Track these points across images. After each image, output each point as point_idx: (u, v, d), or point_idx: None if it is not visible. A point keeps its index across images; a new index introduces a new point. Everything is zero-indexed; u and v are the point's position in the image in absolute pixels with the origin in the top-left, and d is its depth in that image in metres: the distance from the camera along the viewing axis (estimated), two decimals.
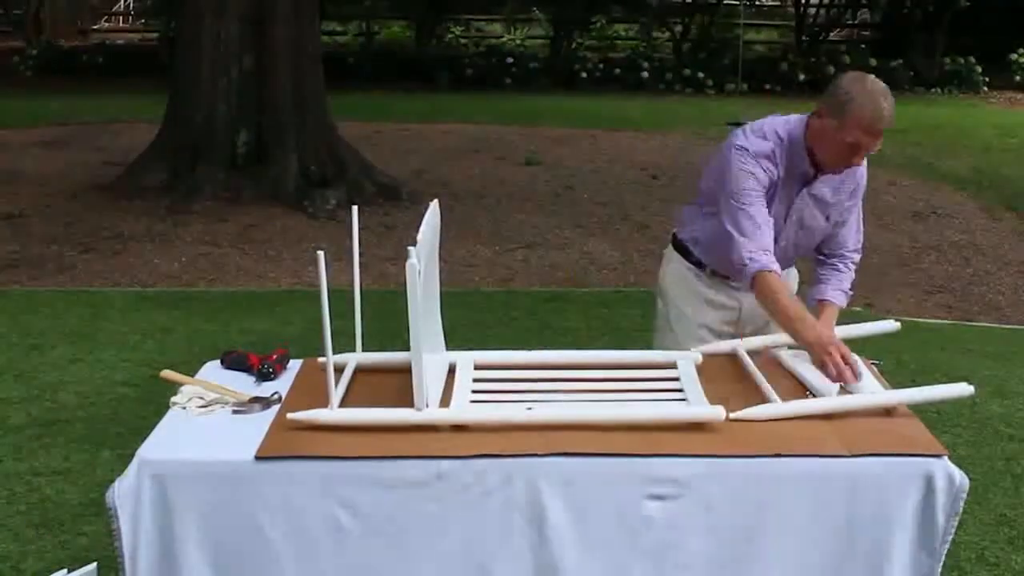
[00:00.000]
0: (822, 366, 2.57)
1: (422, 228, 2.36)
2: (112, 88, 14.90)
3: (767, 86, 16.15)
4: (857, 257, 3.04)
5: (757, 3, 21.05)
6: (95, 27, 21.71)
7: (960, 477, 2.24)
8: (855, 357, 2.60)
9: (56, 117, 12.50)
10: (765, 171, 2.77)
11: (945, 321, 5.99)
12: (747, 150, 2.79)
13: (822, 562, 2.28)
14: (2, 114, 12.53)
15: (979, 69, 16.70)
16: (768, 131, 2.83)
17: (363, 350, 2.73)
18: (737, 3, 18.23)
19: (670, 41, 18.39)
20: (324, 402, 2.35)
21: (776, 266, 2.73)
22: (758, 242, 2.72)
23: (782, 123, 2.84)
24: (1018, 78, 16.84)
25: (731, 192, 2.77)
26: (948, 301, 6.42)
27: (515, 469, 2.21)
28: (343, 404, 2.43)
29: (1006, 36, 16.80)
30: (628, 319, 5.67)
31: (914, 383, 4.62)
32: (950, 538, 2.27)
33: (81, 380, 4.65)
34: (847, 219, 2.98)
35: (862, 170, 2.91)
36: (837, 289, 2.98)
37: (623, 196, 9.04)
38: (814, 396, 2.54)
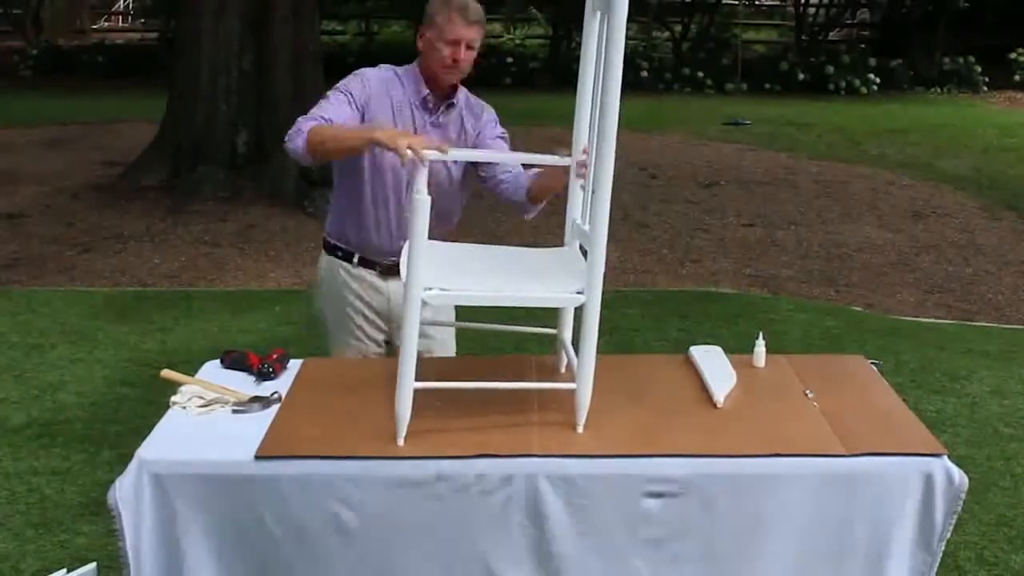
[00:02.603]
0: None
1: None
2: (112, 88, 14.91)
3: (767, 86, 16.16)
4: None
5: (757, 3, 21.07)
6: (95, 27, 21.74)
7: (959, 476, 2.24)
8: None
9: (56, 117, 12.50)
10: (369, 83, 2.89)
11: (945, 321, 5.99)
12: (360, 73, 2.94)
13: (821, 561, 2.28)
14: (2, 114, 12.54)
15: (979, 69, 16.70)
16: (382, 68, 2.97)
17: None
18: (736, 3, 18.24)
19: (670, 41, 18.40)
20: (323, 401, 2.35)
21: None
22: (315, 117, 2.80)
23: (389, 67, 2.98)
24: (1018, 78, 16.84)
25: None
26: (948, 301, 6.42)
27: (515, 469, 2.22)
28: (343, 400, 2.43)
29: (1006, 36, 16.81)
30: (628, 319, 5.66)
31: (914, 383, 4.68)
32: (947, 536, 2.27)
33: (81, 380, 4.65)
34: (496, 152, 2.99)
35: (489, 116, 3.02)
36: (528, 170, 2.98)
37: (622, 196, 9.04)
38: (712, 394, 2.54)
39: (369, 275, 3.04)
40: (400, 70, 2.95)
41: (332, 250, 3.08)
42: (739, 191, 9.32)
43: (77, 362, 4.87)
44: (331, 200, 3.13)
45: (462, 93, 3.00)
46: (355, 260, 3.04)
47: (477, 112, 3.02)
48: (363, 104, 2.86)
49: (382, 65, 2.98)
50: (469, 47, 2.85)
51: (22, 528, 3.39)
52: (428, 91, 2.91)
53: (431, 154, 2.34)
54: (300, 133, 2.78)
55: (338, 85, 2.91)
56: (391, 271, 2.96)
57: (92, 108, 13.07)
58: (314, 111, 2.83)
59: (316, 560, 2.23)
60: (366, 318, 3.07)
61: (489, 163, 2.97)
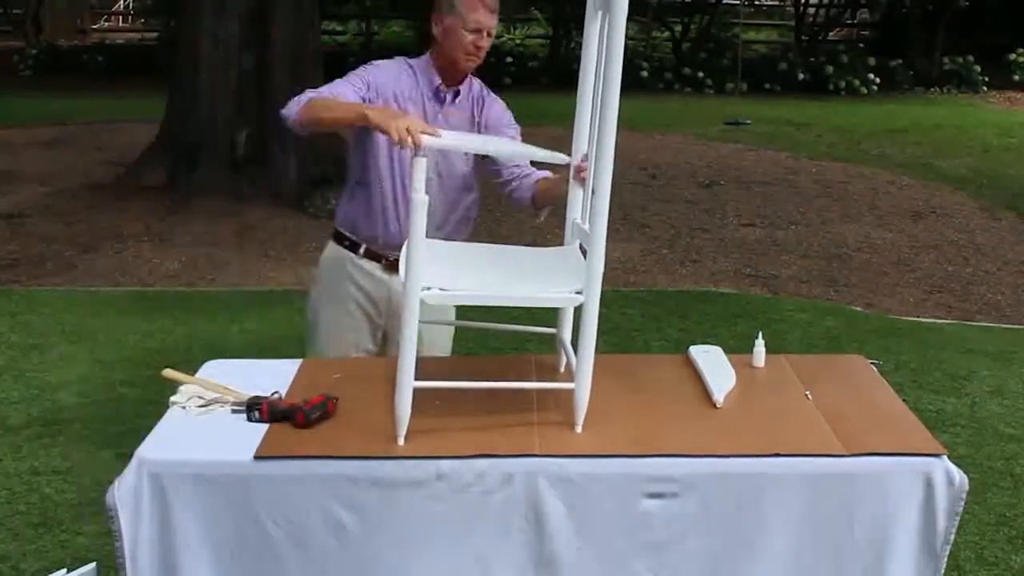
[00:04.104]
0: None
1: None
2: (112, 88, 14.90)
3: (767, 86, 16.16)
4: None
5: (757, 3, 21.07)
6: (95, 27, 21.72)
7: (960, 476, 2.24)
8: None
9: (56, 117, 12.50)
10: (378, 72, 2.91)
11: (945, 321, 5.99)
12: (372, 63, 2.95)
13: (822, 562, 2.28)
14: (2, 114, 12.53)
15: (979, 69, 16.70)
16: (397, 60, 2.99)
17: None
18: (736, 3, 18.24)
19: (670, 41, 18.40)
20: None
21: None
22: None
23: (402, 58, 2.99)
24: (1018, 78, 16.84)
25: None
26: (948, 301, 6.43)
27: (515, 469, 2.21)
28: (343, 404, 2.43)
29: (1006, 36, 16.81)
30: (628, 319, 5.67)
31: (914, 383, 4.68)
32: (951, 538, 2.27)
33: (81, 380, 4.65)
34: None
35: (499, 108, 3.05)
36: (537, 171, 3.02)
37: (622, 196, 9.04)
38: (711, 394, 2.54)
39: (373, 267, 3.04)
40: (414, 62, 2.94)
41: (340, 239, 3.08)
42: (739, 191, 9.32)
43: (77, 362, 4.87)
44: (345, 189, 3.12)
45: (475, 83, 3.03)
46: (361, 251, 3.04)
47: (488, 102, 3.04)
48: (370, 91, 2.86)
49: (397, 57, 2.98)
50: (489, 35, 2.86)
51: (22, 528, 3.40)
52: (440, 81, 2.92)
53: (428, 140, 2.33)
54: (298, 102, 2.80)
55: (350, 72, 2.91)
56: (395, 266, 2.94)
57: (92, 108, 13.06)
58: (321, 88, 2.86)
59: (315, 560, 2.23)
60: (363, 310, 3.07)
61: (498, 161, 2.97)
